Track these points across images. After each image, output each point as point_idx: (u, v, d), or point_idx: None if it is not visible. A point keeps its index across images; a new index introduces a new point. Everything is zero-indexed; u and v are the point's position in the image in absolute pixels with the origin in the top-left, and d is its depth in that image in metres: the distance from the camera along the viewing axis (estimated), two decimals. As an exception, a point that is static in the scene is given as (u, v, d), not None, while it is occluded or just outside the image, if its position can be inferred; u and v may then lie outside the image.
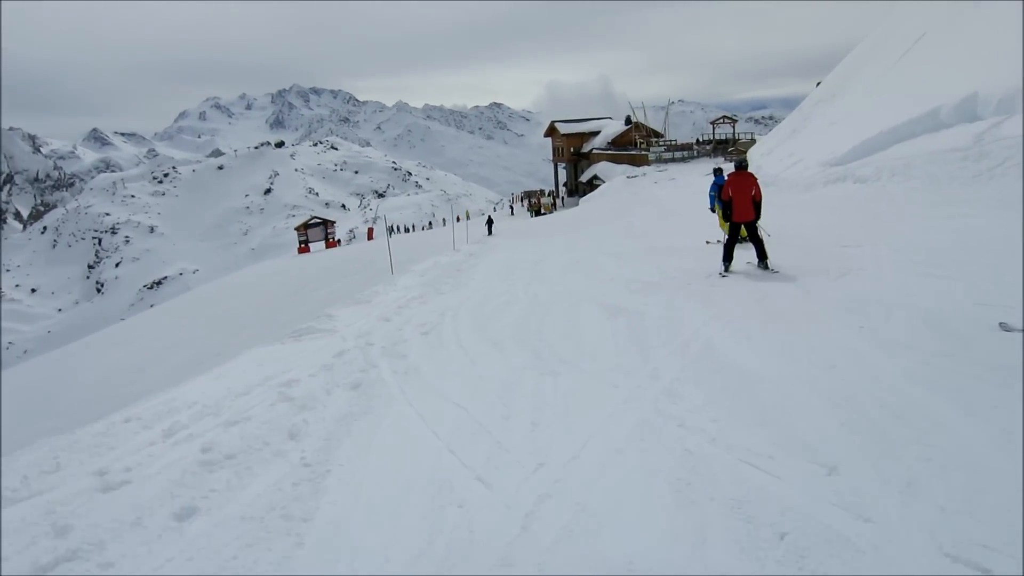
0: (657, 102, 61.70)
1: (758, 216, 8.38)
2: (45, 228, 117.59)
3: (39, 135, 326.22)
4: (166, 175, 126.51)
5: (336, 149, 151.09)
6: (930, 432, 3.35)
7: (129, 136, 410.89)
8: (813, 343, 5.08)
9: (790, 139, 24.90)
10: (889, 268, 7.21)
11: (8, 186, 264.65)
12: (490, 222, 30.55)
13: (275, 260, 46.45)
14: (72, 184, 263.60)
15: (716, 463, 3.29)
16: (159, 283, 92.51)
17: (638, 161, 46.71)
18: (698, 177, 30.02)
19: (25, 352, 65.83)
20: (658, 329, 6.04)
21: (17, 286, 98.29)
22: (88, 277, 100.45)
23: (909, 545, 2.49)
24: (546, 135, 63.50)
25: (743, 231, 8.65)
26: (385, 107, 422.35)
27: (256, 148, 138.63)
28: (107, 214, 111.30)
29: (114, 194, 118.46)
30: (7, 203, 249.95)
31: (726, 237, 8.67)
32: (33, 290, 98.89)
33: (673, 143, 50.70)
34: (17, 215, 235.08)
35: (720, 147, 47.85)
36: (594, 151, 53.01)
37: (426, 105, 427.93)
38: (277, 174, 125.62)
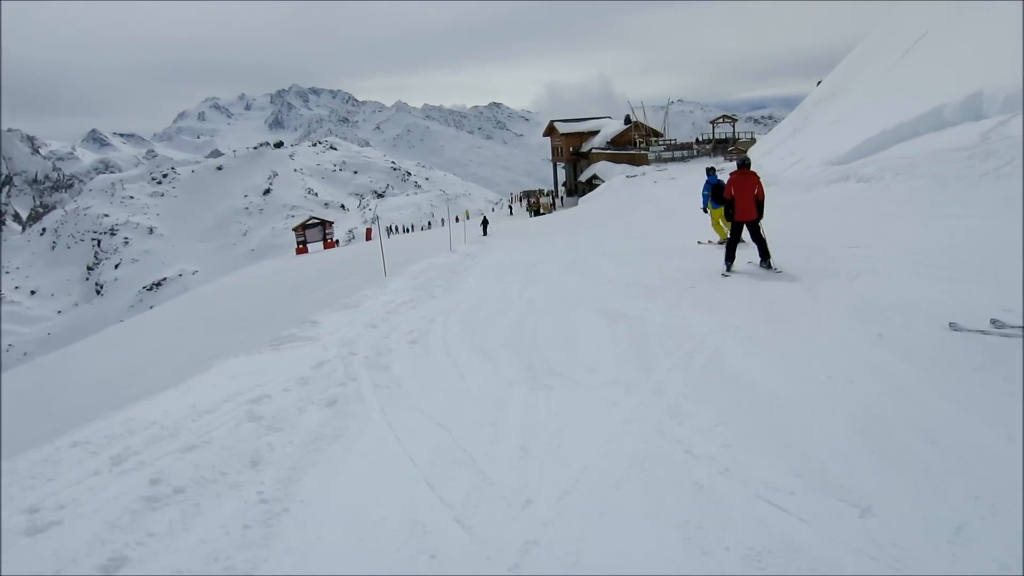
0: (656, 101, 61.48)
1: (761, 215, 8.17)
2: (44, 230, 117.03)
3: (38, 136, 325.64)
4: (165, 176, 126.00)
5: (335, 149, 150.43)
6: (974, 463, 2.93)
7: (128, 137, 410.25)
8: (829, 354, 4.66)
9: (791, 138, 24.51)
10: (903, 271, 6.83)
11: (7, 188, 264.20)
12: (485, 222, 30.37)
13: (273, 261, 45.98)
14: (71, 185, 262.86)
15: (730, 501, 2.87)
16: (158, 284, 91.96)
17: (637, 161, 46.31)
18: (698, 176, 29.47)
19: (25, 354, 65.26)
20: (660, 337, 5.62)
21: (17, 288, 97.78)
22: (87, 279, 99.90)
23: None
24: (545, 135, 63.15)
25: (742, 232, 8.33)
26: (384, 107, 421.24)
27: (255, 148, 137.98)
28: (106, 215, 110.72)
29: (113, 195, 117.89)
30: (6, 205, 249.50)
31: (718, 238, 8.35)
32: (33, 292, 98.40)
33: (672, 143, 50.35)
34: (16, 217, 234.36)
35: (720, 146, 47.49)
36: (593, 151, 52.61)
37: (425, 105, 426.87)
38: (276, 174, 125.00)
